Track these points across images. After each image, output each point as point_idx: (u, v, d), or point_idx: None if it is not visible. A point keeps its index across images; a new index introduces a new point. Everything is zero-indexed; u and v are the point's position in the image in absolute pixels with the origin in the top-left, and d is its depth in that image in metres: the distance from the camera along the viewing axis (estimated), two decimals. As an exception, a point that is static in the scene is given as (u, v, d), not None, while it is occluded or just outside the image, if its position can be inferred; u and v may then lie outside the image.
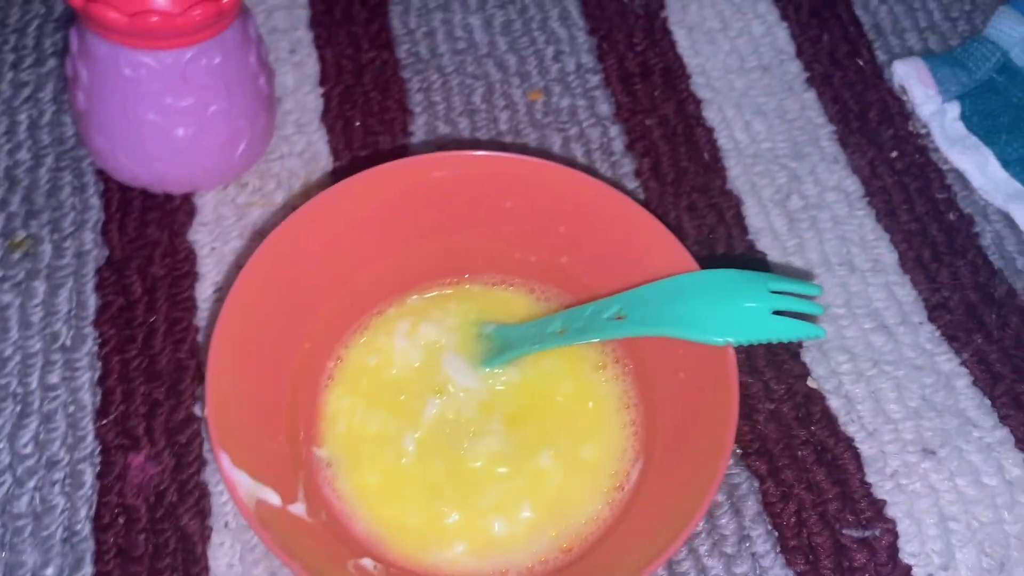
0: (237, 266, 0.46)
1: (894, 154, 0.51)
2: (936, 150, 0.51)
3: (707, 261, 0.46)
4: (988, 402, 0.42)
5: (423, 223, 0.41)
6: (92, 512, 0.39)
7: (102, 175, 0.48)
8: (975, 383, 0.43)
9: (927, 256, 0.47)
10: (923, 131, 0.52)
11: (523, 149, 0.50)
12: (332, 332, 0.40)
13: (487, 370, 0.40)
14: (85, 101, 0.43)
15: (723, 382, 0.34)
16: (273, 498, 0.33)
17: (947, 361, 0.43)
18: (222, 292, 0.45)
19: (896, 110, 0.52)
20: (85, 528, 0.39)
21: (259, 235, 0.47)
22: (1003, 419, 0.41)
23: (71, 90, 0.44)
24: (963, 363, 0.43)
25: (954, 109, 0.51)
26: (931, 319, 0.45)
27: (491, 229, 0.41)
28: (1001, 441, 0.41)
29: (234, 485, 0.32)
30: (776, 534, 0.39)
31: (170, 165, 0.44)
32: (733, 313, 0.34)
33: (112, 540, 0.39)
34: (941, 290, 0.46)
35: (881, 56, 0.55)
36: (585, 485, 0.37)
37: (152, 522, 0.39)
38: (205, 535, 0.39)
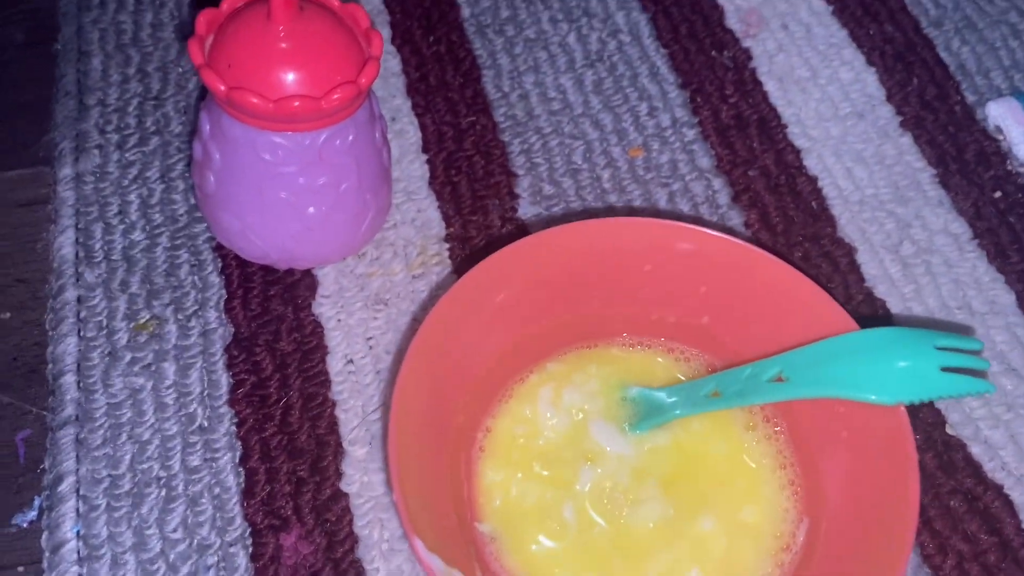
0: (365, 337, 0.46)
1: (997, 194, 0.51)
2: (1038, 189, 0.51)
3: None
4: None
5: (560, 290, 0.41)
6: (250, 597, 0.39)
7: (220, 252, 0.48)
8: (1113, 424, 0.43)
9: (1043, 296, 0.48)
10: (1022, 170, 0.52)
11: (630, 206, 0.51)
12: (479, 403, 0.40)
13: (635, 434, 0.40)
14: (215, 182, 0.43)
15: (898, 443, 0.34)
16: (461, 580, 0.33)
17: (1082, 402, 0.44)
18: (357, 363, 0.45)
19: (992, 150, 0.53)
20: (245, 613, 0.39)
21: (383, 304, 0.47)
22: None
23: (199, 172, 0.44)
24: (1098, 403, 0.43)
25: (1051, 147, 0.52)
26: (1058, 360, 0.45)
27: (629, 293, 0.41)
28: None
29: (432, 571, 0.32)
30: (941, 588, 0.39)
31: (301, 242, 0.44)
32: (901, 372, 0.34)
33: (272, 624, 0.39)
34: (1063, 330, 0.46)
35: (970, 97, 0.55)
36: (751, 548, 0.37)
37: (310, 603, 0.39)
38: (365, 614, 0.39)
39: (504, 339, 0.40)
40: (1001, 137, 0.53)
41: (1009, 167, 0.52)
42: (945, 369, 0.34)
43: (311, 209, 0.43)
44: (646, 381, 0.42)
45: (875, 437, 0.35)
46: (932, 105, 0.55)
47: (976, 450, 0.42)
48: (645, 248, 0.40)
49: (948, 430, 0.43)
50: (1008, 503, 0.41)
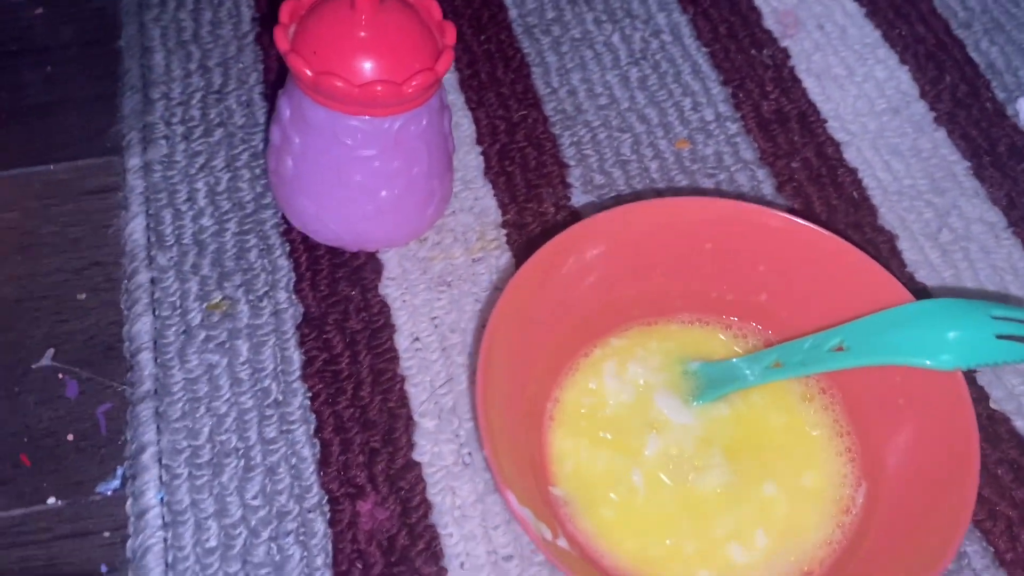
0: (430, 317, 0.48)
1: (1030, 186, 0.53)
2: (1068, 181, 0.54)
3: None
4: None
5: (623, 267, 0.43)
6: (329, 560, 0.41)
7: (287, 236, 0.50)
8: None
9: (1076, 280, 0.50)
10: (1052, 163, 0.55)
11: (679, 195, 0.53)
12: (549, 375, 0.42)
13: (697, 406, 0.42)
14: (294, 166, 0.45)
15: (956, 408, 0.36)
16: (548, 533, 0.35)
17: (1119, 379, 0.46)
18: (423, 340, 0.47)
19: (1023, 144, 0.55)
20: (325, 575, 0.40)
21: (446, 286, 0.49)
22: None
23: (276, 156, 0.46)
24: None
25: (1080, 141, 0.54)
26: (1094, 340, 0.47)
27: (689, 271, 0.43)
28: None
29: (526, 522, 0.33)
30: (992, 549, 0.41)
31: (373, 224, 0.46)
32: (958, 338, 0.36)
33: (352, 586, 0.40)
34: (1097, 312, 0.48)
35: (1000, 94, 0.58)
36: (812, 511, 0.39)
37: (388, 566, 0.41)
38: (441, 576, 0.40)
39: (572, 314, 0.42)
40: (1031, 132, 0.56)
41: (1040, 160, 0.55)
42: (1000, 337, 0.36)
43: (384, 192, 0.45)
44: (705, 356, 0.43)
45: (933, 403, 0.37)
46: (964, 102, 0.57)
47: (1019, 423, 0.44)
48: (707, 226, 0.42)
49: (992, 405, 0.45)
50: (1053, 472, 0.43)
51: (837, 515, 0.39)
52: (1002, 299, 0.48)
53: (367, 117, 0.42)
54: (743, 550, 0.38)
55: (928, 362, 0.36)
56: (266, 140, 0.51)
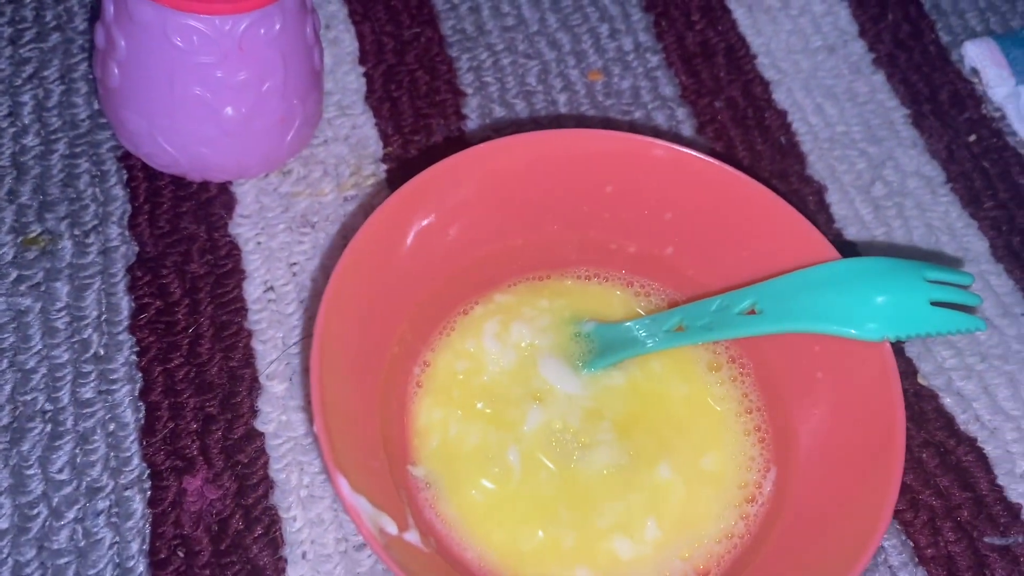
0: (288, 263, 0.41)
1: (971, 137, 0.49)
2: (1014, 134, 0.49)
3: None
4: (1107, 396, 0.40)
5: (512, 211, 0.37)
6: (146, 546, 0.34)
7: (125, 162, 0.43)
8: (1090, 376, 0.40)
9: (1016, 244, 0.45)
10: (997, 114, 0.50)
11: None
12: (417, 334, 0.36)
13: (588, 373, 0.36)
14: (120, 75, 0.37)
15: (883, 384, 0.31)
16: (390, 526, 0.29)
17: (1057, 354, 0.41)
18: (278, 290, 0.40)
19: (967, 92, 0.50)
20: (139, 565, 0.34)
21: (310, 227, 0.42)
22: (1126, 414, 0.39)
23: (101, 63, 0.39)
24: (1074, 356, 0.41)
25: (1028, 91, 0.49)
26: (1032, 310, 0.43)
27: (587, 217, 0.37)
28: None
29: (358, 513, 0.27)
30: (911, 544, 0.36)
31: (217, 149, 0.39)
32: (888, 305, 0.31)
33: (171, 578, 0.34)
34: (1037, 279, 0.44)
35: (944, 37, 0.52)
36: (712, 498, 0.34)
37: (216, 555, 0.34)
38: (279, 568, 0.34)
39: (447, 264, 0.36)
40: (976, 79, 0.51)
41: (984, 111, 0.50)
42: (935, 304, 0.31)
43: (229, 110, 0.38)
44: (602, 317, 0.38)
45: (855, 378, 0.32)
46: (906, 43, 0.52)
47: (948, 401, 0.40)
48: (608, 165, 0.35)
49: (920, 380, 0.40)
50: (982, 457, 0.38)
51: (740, 504, 0.34)
52: (936, 260, 0.43)
53: (204, 16, 0.35)
54: (630, 544, 0.33)
55: (853, 331, 0.30)
56: (91, 44, 0.43)
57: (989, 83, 0.50)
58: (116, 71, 0.37)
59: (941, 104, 0.50)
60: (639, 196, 0.36)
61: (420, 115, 0.46)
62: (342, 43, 0.48)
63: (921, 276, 0.31)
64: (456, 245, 0.36)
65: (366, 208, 0.43)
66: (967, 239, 0.45)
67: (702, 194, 0.35)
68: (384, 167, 0.44)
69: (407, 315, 0.35)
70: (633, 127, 0.47)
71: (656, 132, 0.47)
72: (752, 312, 0.33)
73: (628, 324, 0.36)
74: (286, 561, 0.34)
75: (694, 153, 0.35)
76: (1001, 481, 0.37)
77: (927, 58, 0.51)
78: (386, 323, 0.34)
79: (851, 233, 0.45)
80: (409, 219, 0.34)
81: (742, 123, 0.48)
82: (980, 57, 0.50)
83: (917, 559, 0.36)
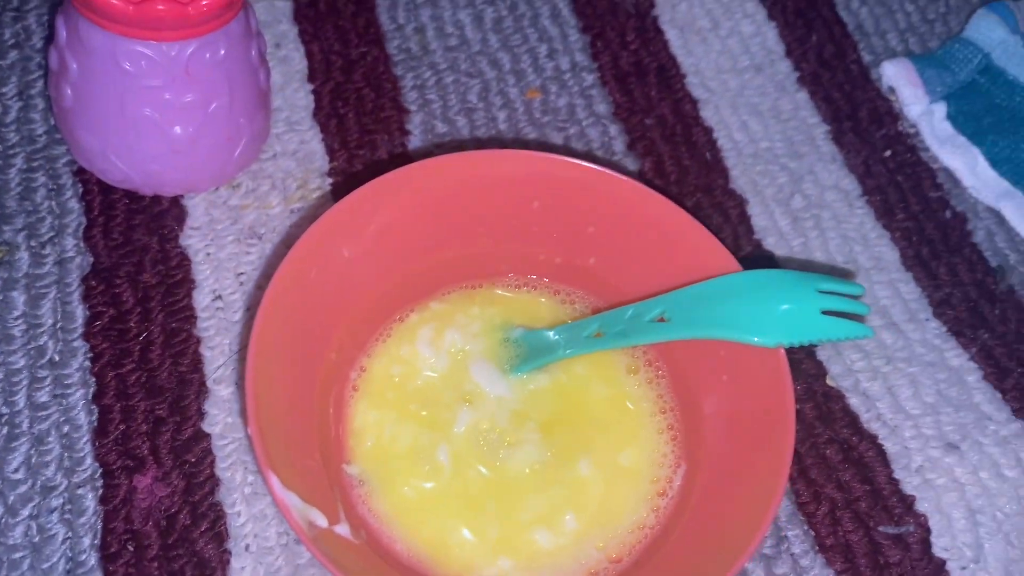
0: (236, 272, 0.43)
1: (887, 153, 0.52)
2: (927, 149, 0.52)
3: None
4: (999, 395, 0.43)
5: (445, 226, 0.39)
6: (97, 540, 0.36)
7: (80, 176, 0.45)
8: (985, 377, 0.44)
9: (926, 253, 0.48)
10: (912, 131, 0.53)
11: (526, 148, 0.49)
12: (355, 341, 0.38)
13: (516, 377, 0.39)
14: (73, 97, 0.39)
15: (777, 385, 0.34)
16: (320, 520, 0.31)
17: (956, 356, 0.44)
18: (226, 299, 0.42)
19: (885, 110, 0.53)
20: (91, 559, 0.36)
21: (257, 239, 0.44)
22: (1016, 412, 0.42)
23: (55, 84, 0.41)
24: (972, 358, 0.44)
25: (941, 109, 0.53)
26: (936, 315, 0.46)
27: (515, 231, 0.40)
28: (1017, 434, 0.42)
29: (288, 508, 0.30)
30: (812, 534, 0.39)
31: (167, 166, 0.41)
32: (783, 314, 0.33)
33: (121, 571, 0.36)
34: (942, 287, 0.47)
35: (866, 56, 0.55)
36: (628, 493, 0.36)
37: (164, 548, 0.37)
38: (224, 560, 0.37)
39: (384, 275, 0.38)
40: (894, 97, 0.54)
41: (900, 127, 0.53)
42: (826, 312, 0.33)
43: (177, 129, 0.40)
44: (530, 323, 0.40)
45: (754, 381, 0.35)
46: (830, 63, 0.55)
47: (854, 401, 0.43)
48: (533, 183, 0.38)
49: (828, 381, 0.43)
50: (881, 452, 0.41)
51: (653, 498, 0.36)
52: (843, 272, 0.46)
53: (152, 42, 0.37)
54: (550, 535, 0.35)
55: (755, 338, 0.33)
56: (46, 65, 0.45)
57: (905, 101, 0.53)
58: (69, 92, 0.40)
59: (860, 121, 0.53)
60: (563, 212, 0.39)
61: (365, 131, 0.48)
62: (292, 61, 0.50)
63: (814, 287, 0.34)
64: (392, 257, 0.38)
65: (311, 220, 0.45)
66: (879, 249, 0.48)
67: (619, 210, 0.38)
68: (329, 180, 0.47)
69: (344, 323, 0.37)
70: (567, 143, 0.50)
71: (589, 148, 0.50)
72: (662, 320, 0.36)
73: (550, 330, 0.39)
74: (230, 554, 0.37)
75: (611, 172, 0.38)
76: (898, 475, 0.40)
77: (849, 77, 0.54)
78: (323, 331, 0.36)
79: (770, 244, 0.48)
80: (347, 232, 0.36)
81: (671, 139, 0.50)
82: (897, 77, 0.53)
83: (818, 547, 0.38)
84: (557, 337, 0.38)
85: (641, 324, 0.36)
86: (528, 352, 0.39)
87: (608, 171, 0.37)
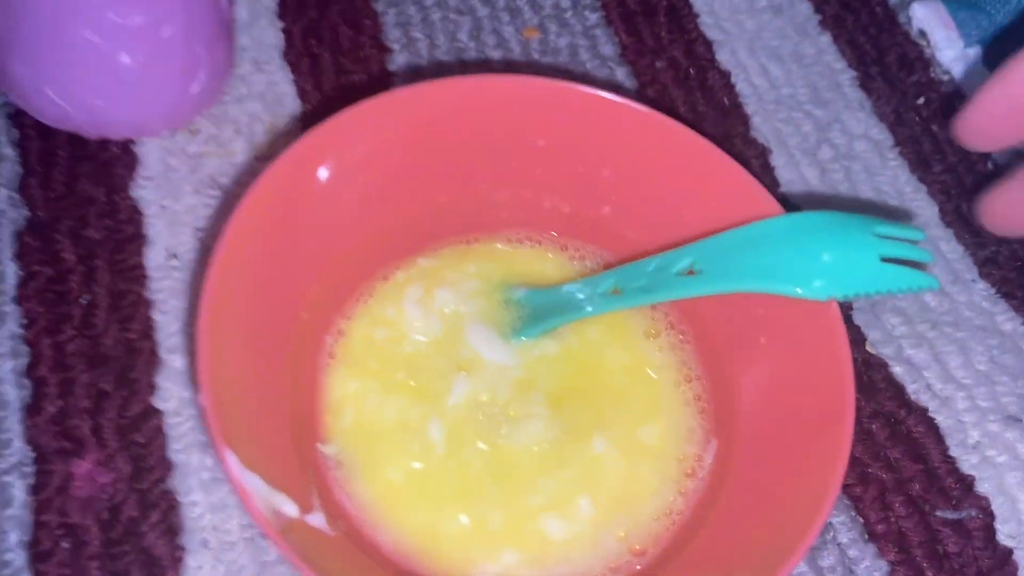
0: (194, 227, 0.38)
1: (920, 100, 0.47)
2: (962, 97, 0.47)
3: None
4: (1059, 363, 0.38)
5: (435, 165, 0.34)
6: (26, 537, 0.31)
7: (17, 119, 0.39)
8: (1042, 344, 0.39)
9: (965, 209, 0.43)
10: (945, 77, 0.48)
11: (522, 93, 0.44)
12: (331, 301, 0.33)
13: (519, 342, 0.33)
14: (2, 16, 0.34)
15: (829, 347, 0.29)
16: (290, 508, 0.26)
17: (1008, 320, 0.40)
18: (182, 257, 0.37)
19: (915, 55, 0.48)
20: (18, 558, 0.31)
21: (219, 190, 0.39)
22: (1079, 381, 0.38)
23: (-21, 5, 0.35)
24: (1025, 322, 0.39)
25: (976, 54, 0.48)
26: (983, 275, 0.41)
27: (517, 174, 0.34)
28: (1083, 405, 0.37)
29: (248, 493, 0.24)
30: (861, 520, 0.34)
31: (112, 101, 0.35)
32: (835, 261, 0.28)
33: (55, 571, 0.30)
34: (987, 245, 0.42)
35: (892, -1, 0.51)
36: (650, 473, 0.31)
37: (106, 545, 0.31)
38: (176, 557, 0.31)
39: (365, 222, 0.33)
40: (925, 42, 0.49)
41: (933, 74, 0.48)
42: (885, 260, 0.28)
43: (124, 57, 0.34)
44: (533, 282, 0.35)
45: (800, 343, 0.30)
46: (852, 5, 0.50)
47: (898, 370, 0.38)
48: (538, 116, 0.33)
49: (868, 348, 0.38)
50: (933, 427, 0.36)
51: (680, 479, 0.31)
52: (884, 216, 0.41)
53: (91, -52, 0.31)
54: (562, 523, 0.30)
55: (798, 290, 0.28)
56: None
57: (937, 45, 0.48)
58: (-5, 12, 0.34)
59: (889, 67, 0.48)
60: (574, 151, 0.34)
61: (342, 72, 0.43)
62: (259, -5, 0.45)
63: (870, 231, 0.29)
64: (373, 200, 0.33)
65: (282, 169, 0.40)
66: (916, 204, 0.43)
67: (642, 149, 0.33)
68: (301, 126, 0.41)
69: (318, 277, 0.32)
70: (570, 87, 0.44)
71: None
72: (691, 273, 0.30)
73: (558, 289, 0.33)
74: (185, 550, 0.31)
75: (634, 104, 0.33)
76: (953, 452, 0.35)
77: (874, 20, 0.50)
78: (294, 285, 0.31)
79: (797, 197, 0.43)
80: (319, 168, 0.31)
81: (684, 84, 0.45)
82: (928, 19, 0.49)
83: (867, 535, 0.34)
84: (568, 295, 0.33)
85: (667, 277, 0.31)
86: (533, 313, 0.34)
87: (628, 101, 0.32)
